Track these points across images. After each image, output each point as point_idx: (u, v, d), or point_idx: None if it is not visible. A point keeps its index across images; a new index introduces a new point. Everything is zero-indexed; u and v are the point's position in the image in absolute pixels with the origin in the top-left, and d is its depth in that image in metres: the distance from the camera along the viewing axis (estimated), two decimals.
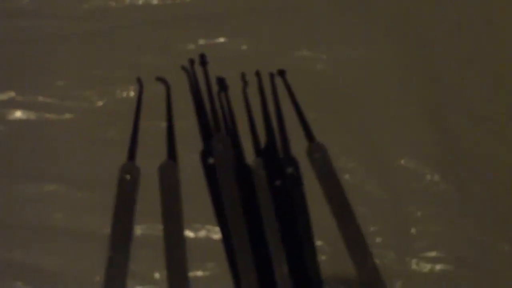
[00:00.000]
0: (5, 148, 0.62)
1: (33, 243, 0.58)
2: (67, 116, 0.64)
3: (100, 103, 0.64)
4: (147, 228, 0.58)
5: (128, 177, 0.60)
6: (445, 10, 0.71)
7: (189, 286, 0.56)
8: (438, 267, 0.58)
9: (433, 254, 0.58)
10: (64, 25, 0.69)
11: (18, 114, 0.63)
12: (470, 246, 0.59)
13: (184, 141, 0.63)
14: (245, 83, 0.65)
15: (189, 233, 0.58)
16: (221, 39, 0.69)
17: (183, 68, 0.66)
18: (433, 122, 0.64)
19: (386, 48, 0.69)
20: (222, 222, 0.58)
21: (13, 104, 0.64)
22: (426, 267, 0.58)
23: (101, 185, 0.60)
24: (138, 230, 0.58)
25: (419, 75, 0.68)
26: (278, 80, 0.66)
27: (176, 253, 0.57)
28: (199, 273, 0.57)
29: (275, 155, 0.62)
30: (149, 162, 0.61)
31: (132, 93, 0.65)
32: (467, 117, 0.65)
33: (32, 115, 0.64)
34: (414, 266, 0.58)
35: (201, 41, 0.68)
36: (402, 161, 0.62)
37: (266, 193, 0.59)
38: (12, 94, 0.64)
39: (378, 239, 0.59)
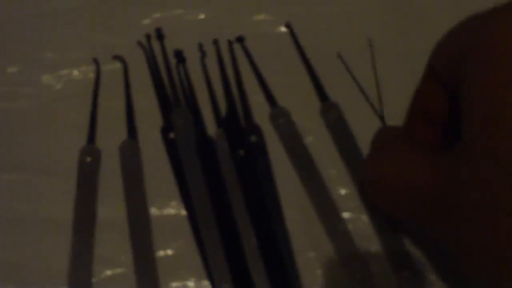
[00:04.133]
0: None
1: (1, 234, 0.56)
2: (23, 103, 0.62)
3: (57, 87, 0.63)
4: (110, 210, 0.57)
5: (88, 159, 0.59)
6: None
7: (156, 266, 0.54)
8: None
9: None
10: (12, 8, 0.67)
11: None
12: None
13: (145, 118, 0.61)
14: (203, 54, 0.63)
15: (154, 211, 0.57)
16: (178, 11, 0.67)
17: (139, 44, 0.64)
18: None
19: (351, 2, 0.66)
20: (186, 198, 0.57)
21: None
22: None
23: (61, 170, 0.59)
24: (101, 213, 0.57)
25: (395, 29, 0.65)
26: (240, 48, 0.64)
27: (141, 234, 0.56)
28: (167, 251, 0.56)
29: (236, 124, 0.60)
30: (110, 142, 0.60)
31: (90, 75, 0.64)
32: None
33: None
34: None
35: (157, 15, 0.66)
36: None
37: (229, 164, 0.57)
38: None
39: (351, 203, 0.57)
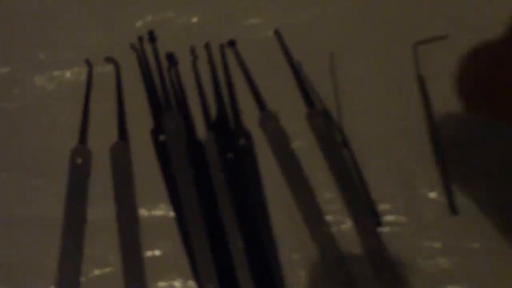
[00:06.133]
0: None
1: None
2: (15, 103, 0.64)
3: (49, 88, 0.64)
4: (100, 211, 0.58)
5: (79, 160, 0.60)
6: None
7: (144, 266, 0.56)
8: (395, 229, 0.57)
9: (391, 218, 0.58)
10: (5, 10, 0.69)
11: None
12: (426, 203, 0.58)
13: (136, 120, 0.62)
14: (194, 57, 0.64)
15: (144, 212, 0.58)
16: (170, 14, 0.68)
17: (132, 46, 0.65)
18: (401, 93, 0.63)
19: (340, 6, 0.68)
20: (175, 200, 0.58)
21: None
22: (385, 229, 0.57)
23: (52, 171, 0.60)
24: (91, 213, 0.58)
25: (383, 35, 0.66)
26: (231, 51, 0.65)
27: (130, 234, 0.57)
28: (155, 252, 0.57)
29: (226, 127, 0.61)
30: (101, 144, 0.61)
31: (82, 76, 0.65)
32: None
33: None
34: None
35: (149, 17, 0.67)
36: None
37: (218, 167, 0.59)
38: None
39: (335, 206, 0.58)
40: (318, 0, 0.68)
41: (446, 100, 0.59)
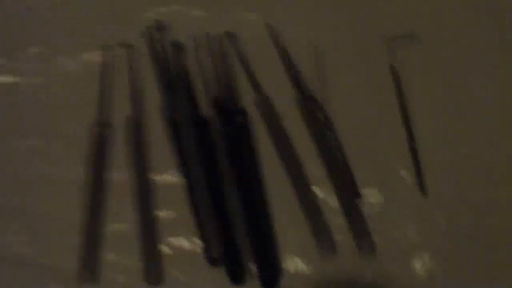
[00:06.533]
0: None
1: (25, 192, 0.66)
2: (41, 79, 0.72)
3: (70, 68, 0.72)
4: (118, 175, 0.66)
5: (100, 131, 0.68)
6: None
7: (156, 224, 0.64)
8: (373, 206, 0.65)
9: (369, 196, 0.66)
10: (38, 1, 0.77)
11: None
12: (398, 182, 0.67)
13: (148, 98, 0.71)
14: (197, 45, 0.73)
15: (156, 177, 0.66)
16: (175, 7, 0.76)
17: (142, 34, 0.73)
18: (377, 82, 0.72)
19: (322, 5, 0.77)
20: (183, 167, 0.66)
21: None
22: (363, 206, 0.65)
23: (76, 139, 0.68)
24: (110, 176, 0.66)
25: (362, 30, 0.75)
26: (230, 42, 0.74)
27: (144, 196, 0.65)
28: (166, 212, 0.65)
29: (226, 106, 0.70)
30: (119, 117, 0.69)
31: (99, 58, 0.73)
32: None
33: (7, 79, 0.72)
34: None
35: (158, 9, 0.76)
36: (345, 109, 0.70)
37: (220, 139, 0.67)
38: None
39: (320, 179, 0.66)
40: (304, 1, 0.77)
41: (417, 89, 0.70)
